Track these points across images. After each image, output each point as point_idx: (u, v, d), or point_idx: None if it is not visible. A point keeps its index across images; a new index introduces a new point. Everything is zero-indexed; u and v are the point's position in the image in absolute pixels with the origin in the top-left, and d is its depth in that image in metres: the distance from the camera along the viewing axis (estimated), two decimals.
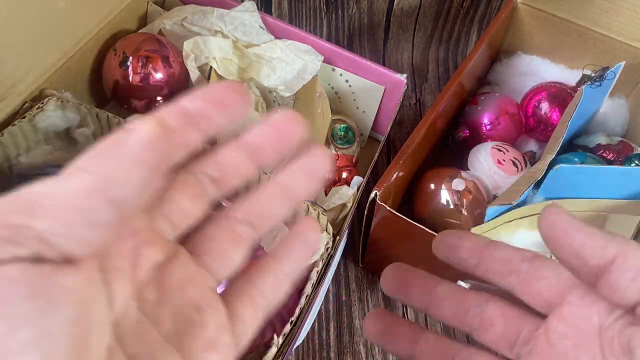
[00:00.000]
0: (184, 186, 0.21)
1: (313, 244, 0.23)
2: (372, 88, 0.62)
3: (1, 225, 0.15)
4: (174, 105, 0.19)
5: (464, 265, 0.26)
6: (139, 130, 0.17)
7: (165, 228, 0.21)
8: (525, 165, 0.58)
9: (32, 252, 0.15)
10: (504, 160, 0.58)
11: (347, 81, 0.63)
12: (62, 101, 0.53)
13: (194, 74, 0.60)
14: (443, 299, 0.26)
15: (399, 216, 0.48)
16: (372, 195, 0.48)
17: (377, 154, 0.56)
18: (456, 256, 0.26)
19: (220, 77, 0.61)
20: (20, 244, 0.15)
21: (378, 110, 0.64)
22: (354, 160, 0.62)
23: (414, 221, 0.48)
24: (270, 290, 0.22)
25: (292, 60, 0.60)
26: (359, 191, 0.54)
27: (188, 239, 0.22)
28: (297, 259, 0.23)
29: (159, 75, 0.59)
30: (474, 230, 0.51)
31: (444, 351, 0.26)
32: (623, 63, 0.59)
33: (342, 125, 0.63)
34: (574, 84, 0.64)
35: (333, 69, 0.62)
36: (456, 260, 0.26)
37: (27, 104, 0.52)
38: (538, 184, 0.53)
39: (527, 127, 0.66)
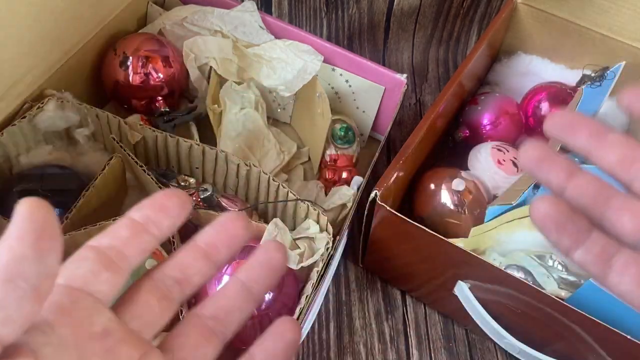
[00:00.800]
0: (151, 289, 0.23)
1: (290, 343, 0.24)
2: (372, 88, 0.62)
3: None
4: (124, 217, 0.23)
5: None
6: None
7: (139, 328, 0.22)
8: None
9: None
10: (504, 160, 0.58)
11: (347, 81, 0.63)
12: (62, 101, 0.53)
13: (194, 74, 0.60)
14: (611, 145, 0.24)
15: (399, 216, 0.48)
16: (372, 195, 0.48)
17: (377, 154, 0.56)
18: None
19: (220, 77, 0.61)
20: None
21: (378, 110, 0.64)
22: (354, 160, 0.62)
23: (414, 221, 0.48)
24: None
25: (292, 60, 0.60)
26: (359, 191, 0.54)
27: (162, 340, 0.23)
28: (270, 354, 0.24)
29: (159, 75, 0.59)
30: (474, 230, 0.51)
31: (599, 190, 0.24)
32: (623, 63, 0.59)
33: (342, 125, 0.62)
34: (574, 84, 0.64)
35: (333, 69, 0.62)
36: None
37: (27, 104, 0.52)
38: (538, 184, 0.53)
39: (527, 127, 0.66)
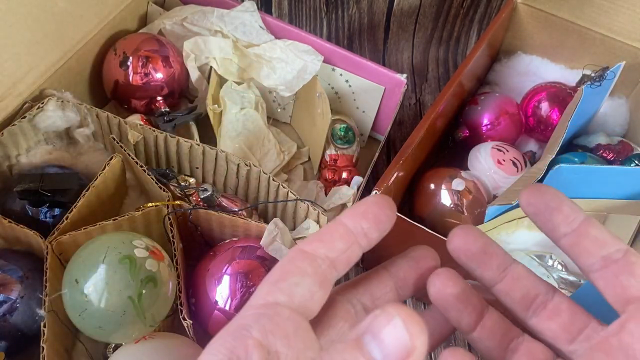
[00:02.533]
0: (345, 314, 0.23)
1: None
2: (372, 88, 0.62)
3: None
4: (339, 223, 0.22)
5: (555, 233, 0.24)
6: None
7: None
8: (525, 165, 0.58)
9: None
10: (504, 160, 0.58)
11: (347, 81, 0.63)
12: (62, 101, 0.53)
13: (194, 74, 0.60)
14: (516, 279, 0.25)
15: (399, 216, 0.48)
16: (372, 195, 0.48)
17: (377, 154, 0.56)
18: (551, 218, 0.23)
19: (220, 77, 0.61)
20: None
21: (378, 110, 0.64)
22: (354, 160, 0.62)
23: (414, 221, 0.48)
24: None
25: (292, 60, 0.60)
26: (359, 191, 0.54)
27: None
28: None
29: (159, 75, 0.59)
30: None
31: (505, 332, 0.25)
32: (623, 63, 0.59)
33: (342, 125, 0.63)
34: (574, 84, 0.64)
35: (333, 69, 0.62)
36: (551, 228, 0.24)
37: (27, 104, 0.52)
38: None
39: (527, 127, 0.66)
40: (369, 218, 0.22)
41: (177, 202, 0.49)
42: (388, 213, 0.22)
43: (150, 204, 0.48)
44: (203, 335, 0.46)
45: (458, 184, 0.55)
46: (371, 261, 0.59)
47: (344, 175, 0.61)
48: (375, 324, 0.17)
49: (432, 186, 0.57)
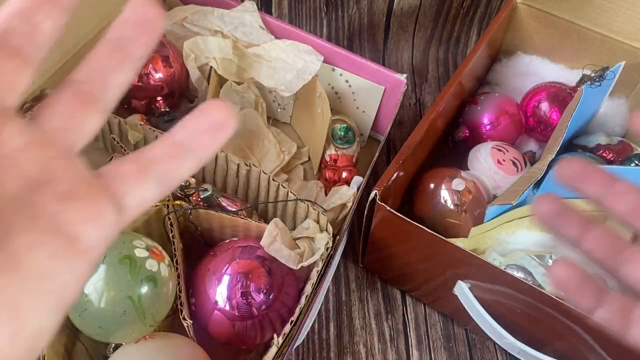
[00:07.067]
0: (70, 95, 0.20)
1: (217, 120, 0.21)
2: (372, 88, 0.62)
3: None
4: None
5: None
6: None
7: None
8: (525, 165, 0.59)
9: None
10: (504, 160, 0.58)
11: (347, 81, 0.63)
12: None
13: (194, 74, 0.60)
14: (622, 193, 0.26)
15: (399, 216, 0.48)
16: (372, 195, 0.48)
17: (377, 154, 0.56)
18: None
19: (220, 77, 0.61)
20: None
21: (378, 110, 0.64)
22: (354, 160, 0.62)
23: (414, 221, 0.48)
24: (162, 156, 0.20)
25: (292, 60, 0.60)
26: (359, 191, 0.54)
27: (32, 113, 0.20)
28: (195, 130, 0.21)
29: (159, 75, 0.59)
30: (473, 230, 0.51)
31: (613, 243, 0.26)
32: (623, 63, 0.59)
33: (342, 125, 0.63)
34: (574, 84, 0.64)
35: (333, 69, 0.62)
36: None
37: (27, 104, 0.52)
38: (538, 184, 0.53)
39: (527, 127, 0.66)
40: None
41: (177, 202, 0.49)
42: None
43: None
44: (203, 335, 0.46)
45: (458, 184, 0.55)
46: (372, 262, 0.59)
47: (344, 175, 0.61)
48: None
49: (432, 186, 0.57)
